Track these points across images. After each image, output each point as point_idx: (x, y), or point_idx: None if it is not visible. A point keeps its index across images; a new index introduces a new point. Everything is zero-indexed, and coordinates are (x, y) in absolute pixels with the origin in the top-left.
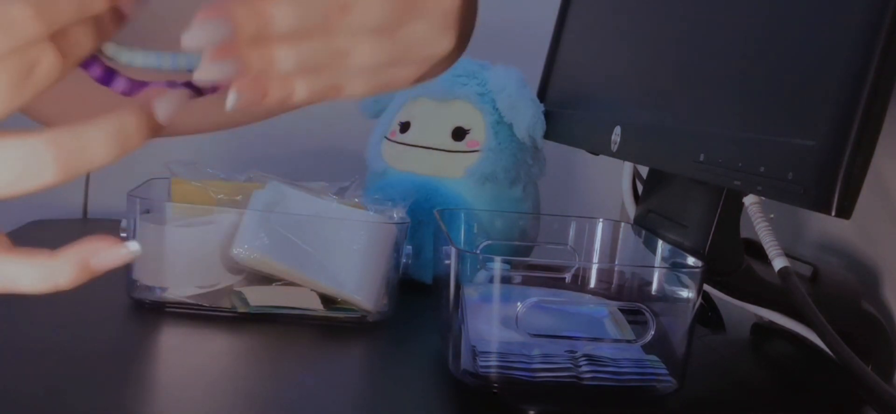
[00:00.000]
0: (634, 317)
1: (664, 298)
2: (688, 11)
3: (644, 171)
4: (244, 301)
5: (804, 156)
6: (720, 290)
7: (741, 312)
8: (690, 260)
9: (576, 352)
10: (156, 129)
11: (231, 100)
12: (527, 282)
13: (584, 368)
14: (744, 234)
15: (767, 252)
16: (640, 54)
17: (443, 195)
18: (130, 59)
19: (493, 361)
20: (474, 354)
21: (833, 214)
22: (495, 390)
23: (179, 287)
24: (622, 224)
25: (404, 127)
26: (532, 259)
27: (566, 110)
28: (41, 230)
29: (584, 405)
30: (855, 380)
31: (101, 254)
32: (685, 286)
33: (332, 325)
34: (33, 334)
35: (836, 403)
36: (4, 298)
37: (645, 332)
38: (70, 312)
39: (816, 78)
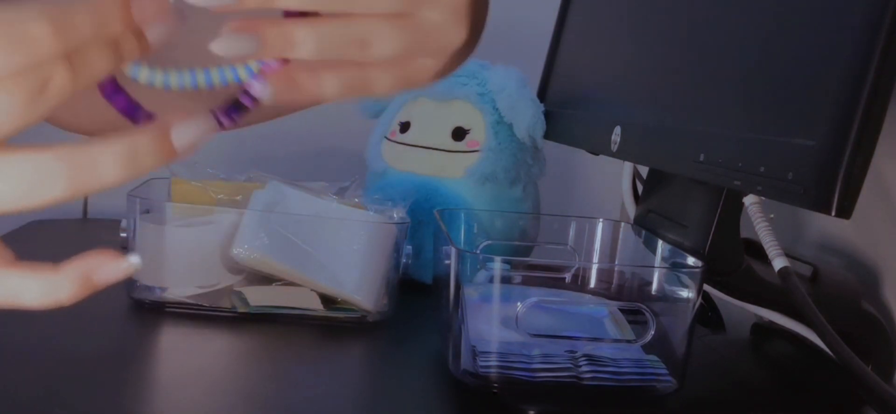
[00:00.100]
0: (634, 317)
1: (664, 298)
2: (688, 11)
3: (644, 171)
4: (244, 301)
5: (804, 156)
6: (720, 290)
7: (741, 312)
8: (690, 260)
9: (576, 352)
10: (171, 155)
11: (265, 92)
12: (527, 282)
13: (584, 368)
14: (744, 234)
15: (767, 252)
16: (640, 54)
17: (443, 195)
18: (150, 78)
19: (493, 361)
20: (474, 354)
21: (833, 213)
22: (495, 390)
23: (179, 287)
24: (622, 224)
25: (404, 127)
26: (532, 259)
27: (566, 110)
28: (41, 230)
29: (584, 405)
30: (855, 380)
31: (103, 268)
32: (685, 286)
33: (332, 325)
34: (33, 334)
35: (836, 403)
36: None
37: (645, 332)
38: (70, 312)
39: (816, 78)
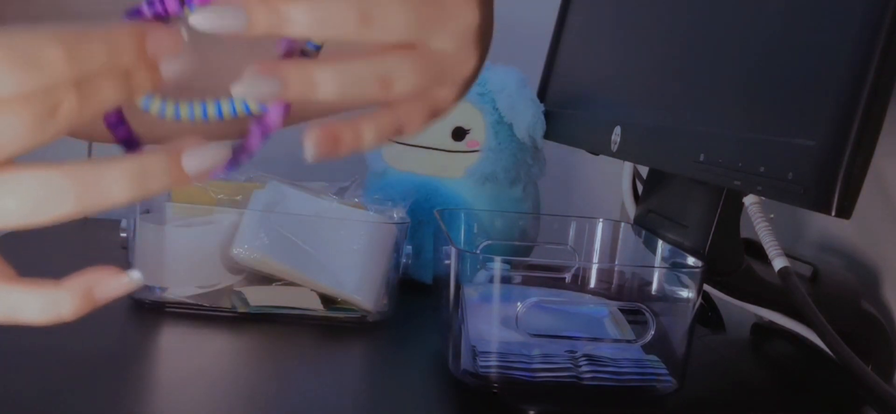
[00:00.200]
0: (634, 317)
1: (664, 298)
2: (688, 11)
3: (644, 171)
4: (244, 301)
5: (804, 156)
6: (720, 290)
7: (741, 312)
8: (690, 260)
9: (576, 352)
10: (180, 179)
11: (310, 151)
12: (527, 282)
13: (584, 368)
14: (744, 234)
15: (767, 252)
16: (640, 54)
17: (443, 195)
18: (161, 109)
19: (493, 361)
20: (474, 354)
21: (833, 214)
22: (495, 390)
23: (179, 287)
24: (622, 224)
25: None
26: (532, 259)
27: (566, 110)
28: (42, 230)
29: (584, 405)
30: (855, 380)
31: (104, 283)
32: (685, 286)
33: (332, 325)
34: (33, 335)
35: (836, 403)
36: None
37: (645, 332)
38: None
39: (816, 78)
